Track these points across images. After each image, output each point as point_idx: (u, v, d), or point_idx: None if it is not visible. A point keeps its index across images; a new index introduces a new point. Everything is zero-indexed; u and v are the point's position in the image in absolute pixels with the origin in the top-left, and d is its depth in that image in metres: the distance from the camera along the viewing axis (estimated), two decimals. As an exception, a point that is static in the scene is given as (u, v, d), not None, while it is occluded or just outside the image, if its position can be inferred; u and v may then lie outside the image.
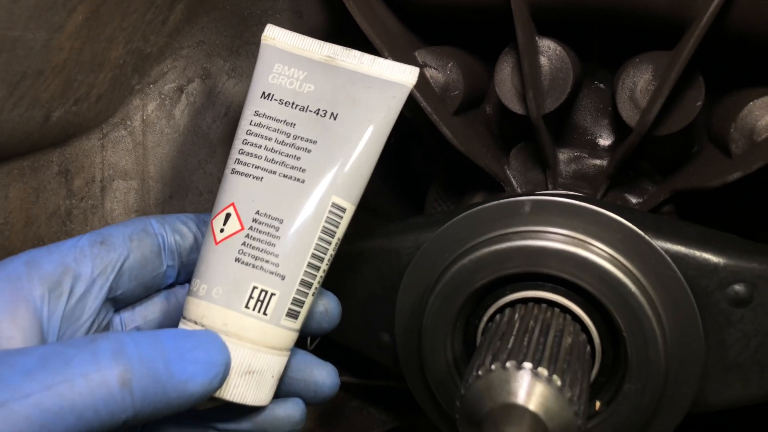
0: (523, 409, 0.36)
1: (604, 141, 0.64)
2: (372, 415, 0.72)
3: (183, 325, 0.42)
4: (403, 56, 0.56)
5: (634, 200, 0.62)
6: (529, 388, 0.37)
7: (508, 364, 0.37)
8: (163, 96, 0.57)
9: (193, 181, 0.60)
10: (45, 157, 0.51)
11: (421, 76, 0.58)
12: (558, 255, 0.44)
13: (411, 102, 0.55)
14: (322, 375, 0.46)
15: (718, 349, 0.48)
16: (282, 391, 0.45)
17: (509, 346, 0.40)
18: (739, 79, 0.57)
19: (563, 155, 0.63)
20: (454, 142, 0.56)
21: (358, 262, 0.57)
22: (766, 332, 0.47)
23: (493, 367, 0.38)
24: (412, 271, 0.51)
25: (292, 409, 0.44)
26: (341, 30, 0.53)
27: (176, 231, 0.45)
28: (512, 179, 0.64)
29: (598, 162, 0.62)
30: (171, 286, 0.47)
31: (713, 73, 0.58)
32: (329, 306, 0.48)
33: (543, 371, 0.37)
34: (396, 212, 0.80)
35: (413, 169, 0.80)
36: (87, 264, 0.41)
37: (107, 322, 0.43)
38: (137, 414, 0.34)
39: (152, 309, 0.46)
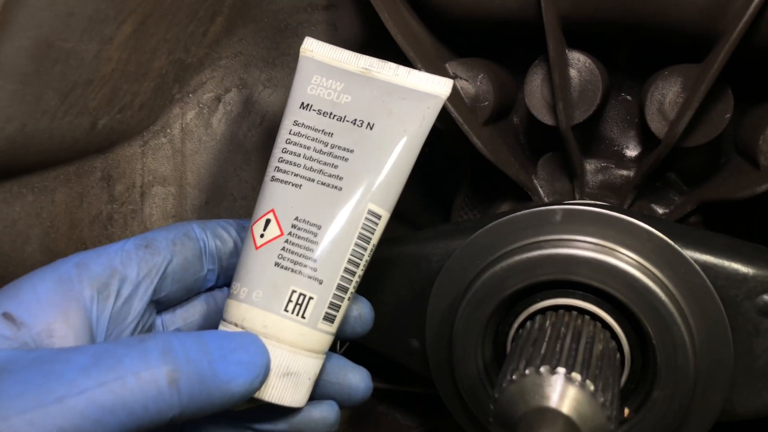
0: (557, 413, 0.37)
1: (631, 152, 0.64)
2: (397, 420, 0.73)
3: (223, 327, 0.44)
4: (435, 68, 0.57)
5: (660, 210, 0.63)
6: (563, 393, 0.37)
7: (542, 369, 0.38)
8: (201, 105, 0.59)
9: (228, 188, 0.62)
10: (89, 163, 0.53)
11: (453, 88, 0.59)
12: (588, 263, 0.45)
13: (443, 113, 0.57)
14: (356, 379, 0.47)
15: (747, 359, 0.48)
16: (317, 394, 0.47)
17: (542, 351, 0.41)
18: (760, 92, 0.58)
19: (590, 165, 0.64)
20: (484, 152, 0.57)
21: (389, 267, 0.59)
22: (794, 342, 0.47)
23: (527, 371, 0.39)
24: (443, 278, 0.52)
25: (326, 412, 0.45)
26: (375, 42, 0.54)
27: (217, 236, 0.47)
28: (539, 189, 0.65)
29: (624, 172, 0.63)
30: (210, 289, 0.48)
31: (741, 85, 0.59)
32: (363, 311, 0.49)
33: (576, 376, 0.38)
34: (422, 219, 0.81)
35: (439, 177, 0.82)
36: (133, 267, 0.42)
37: (150, 323, 0.45)
38: (183, 412, 0.36)
39: (192, 311, 0.47)
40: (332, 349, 0.62)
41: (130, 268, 0.42)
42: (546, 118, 0.57)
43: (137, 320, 0.43)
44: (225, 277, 0.48)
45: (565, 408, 0.37)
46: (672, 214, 0.61)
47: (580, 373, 0.38)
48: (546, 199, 0.65)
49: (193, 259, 0.45)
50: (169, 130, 0.57)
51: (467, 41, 0.63)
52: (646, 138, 0.62)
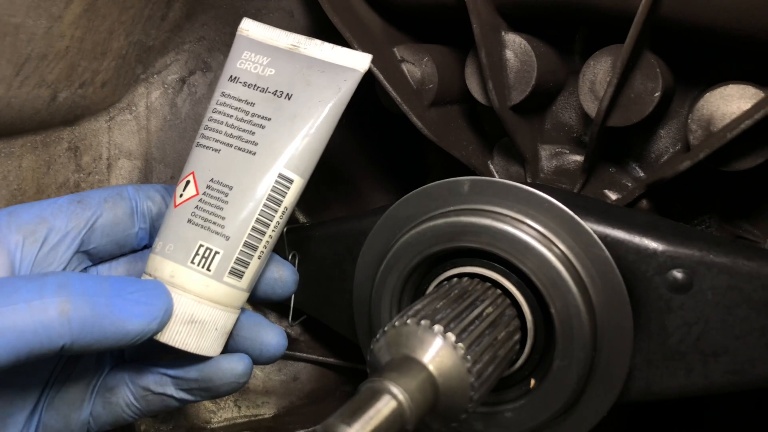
0: (415, 360, 0.38)
1: (586, 137, 0.65)
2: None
3: (142, 278, 0.47)
4: (381, 51, 0.60)
5: (613, 196, 0.62)
6: (424, 343, 0.39)
7: (408, 321, 0.40)
8: (166, 86, 0.63)
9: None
10: (56, 134, 0.58)
11: (398, 71, 0.61)
12: (487, 230, 0.46)
13: (388, 95, 0.59)
14: (269, 335, 0.50)
15: (660, 336, 0.48)
16: (231, 348, 0.50)
17: (418, 308, 0.42)
18: (719, 77, 0.57)
19: (545, 151, 0.65)
20: (424, 132, 0.59)
21: (335, 242, 0.61)
22: (707, 320, 0.47)
23: (397, 323, 0.40)
24: (366, 247, 0.54)
25: (235, 363, 0.48)
26: (329, 29, 0.57)
27: (149, 197, 0.51)
28: (495, 173, 0.66)
29: (578, 158, 0.63)
30: (146, 248, 0.52)
31: (696, 73, 0.58)
32: (283, 273, 0.51)
33: (438, 327, 0.39)
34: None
35: (418, 166, 0.83)
36: (62, 218, 0.47)
37: (81, 271, 0.49)
38: (74, 341, 0.40)
39: (126, 266, 0.51)
40: (286, 322, 0.65)
41: (59, 219, 0.47)
42: (483, 98, 0.58)
43: (63, 267, 0.47)
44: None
45: (425, 356, 0.39)
46: (623, 199, 0.60)
47: (446, 326, 0.40)
48: (500, 183, 0.66)
49: (124, 217, 0.49)
50: (134, 108, 0.62)
51: (422, 27, 0.65)
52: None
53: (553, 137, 0.65)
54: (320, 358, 0.72)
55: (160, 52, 0.62)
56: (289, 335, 0.72)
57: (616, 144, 0.61)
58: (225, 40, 0.64)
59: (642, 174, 0.63)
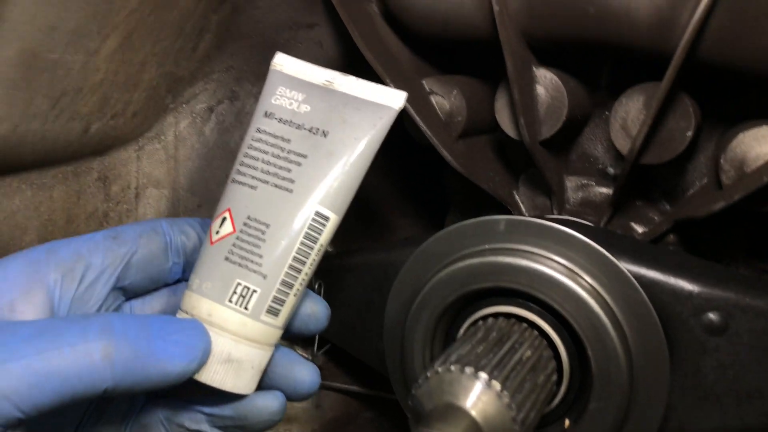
0: (460, 409, 0.38)
1: (614, 170, 0.65)
2: (383, 427, 0.75)
3: (178, 315, 0.47)
4: (409, 83, 0.60)
5: (639, 229, 0.63)
6: (468, 390, 0.39)
7: (452, 367, 0.40)
8: (194, 115, 0.63)
9: (220, 193, 0.66)
10: (86, 164, 0.58)
11: (427, 103, 0.61)
12: (525, 272, 0.47)
13: (417, 127, 0.59)
14: (303, 373, 0.50)
15: (695, 377, 0.48)
16: (265, 385, 0.49)
17: (462, 352, 0.42)
18: (746, 112, 0.57)
19: (571, 182, 0.65)
20: (453, 164, 0.59)
21: (362, 273, 0.61)
22: (742, 363, 0.47)
23: (440, 369, 0.40)
24: (398, 283, 0.54)
25: (270, 400, 0.48)
26: (358, 59, 0.57)
27: (183, 232, 0.51)
28: (520, 204, 0.66)
29: (605, 190, 0.64)
30: (179, 281, 0.52)
31: (722, 108, 0.59)
32: (316, 309, 0.51)
33: (483, 375, 0.39)
34: (423, 233, 0.83)
35: (442, 193, 0.84)
36: (99, 255, 0.47)
37: (117, 308, 0.49)
38: (117, 384, 0.40)
39: (159, 301, 0.51)
40: (311, 351, 0.65)
41: (96, 255, 0.47)
42: (513, 132, 0.58)
43: (100, 304, 0.47)
44: (191, 271, 0.51)
45: (470, 405, 0.39)
46: (650, 233, 0.61)
47: (490, 373, 0.40)
48: (526, 214, 0.66)
49: (159, 252, 0.49)
50: (163, 137, 0.62)
51: (451, 59, 0.66)
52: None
53: (578, 168, 0.66)
54: (343, 386, 0.72)
55: (189, 82, 0.62)
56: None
57: (643, 178, 0.61)
58: (253, 69, 0.65)
59: (668, 207, 0.63)
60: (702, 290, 0.47)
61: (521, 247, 0.48)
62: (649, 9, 0.47)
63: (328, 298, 0.65)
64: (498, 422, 0.38)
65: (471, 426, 0.38)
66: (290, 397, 0.50)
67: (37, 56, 0.47)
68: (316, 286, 0.64)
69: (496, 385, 0.39)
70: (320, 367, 0.73)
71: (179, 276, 0.51)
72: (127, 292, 0.49)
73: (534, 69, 0.57)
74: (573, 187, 0.65)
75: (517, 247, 0.48)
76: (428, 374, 0.41)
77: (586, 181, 0.64)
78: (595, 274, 0.46)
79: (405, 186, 0.76)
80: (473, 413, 0.38)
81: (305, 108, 0.51)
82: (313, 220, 0.48)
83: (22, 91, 0.48)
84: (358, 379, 0.73)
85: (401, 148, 0.71)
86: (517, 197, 0.66)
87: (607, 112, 0.65)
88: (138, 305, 0.51)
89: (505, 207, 0.66)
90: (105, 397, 0.40)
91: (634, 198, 0.63)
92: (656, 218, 0.63)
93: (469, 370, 0.39)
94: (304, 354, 0.70)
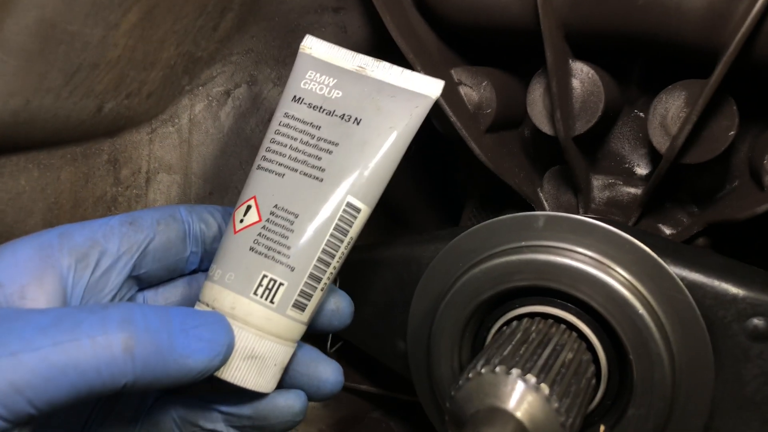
0: (507, 413, 0.36)
1: (641, 170, 0.63)
2: (391, 428, 0.73)
3: (197, 307, 0.45)
4: (438, 72, 0.58)
5: (667, 231, 0.61)
6: (515, 394, 0.37)
7: (497, 369, 0.38)
8: (210, 98, 0.61)
9: (233, 181, 0.63)
10: (96, 145, 0.55)
11: (455, 93, 0.59)
12: (566, 270, 0.44)
13: (444, 118, 0.57)
14: (326, 371, 0.47)
15: (735, 384, 0.46)
16: (286, 383, 0.47)
17: (504, 353, 0.40)
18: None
19: (598, 181, 0.63)
20: (482, 158, 0.57)
21: (382, 268, 0.59)
22: (786, 371, 0.45)
23: (483, 370, 0.38)
24: (426, 280, 0.52)
25: (292, 400, 0.45)
26: (383, 45, 0.55)
27: (202, 220, 0.48)
28: (544, 201, 0.64)
29: (632, 190, 0.62)
30: (195, 272, 0.49)
31: (760, 106, 0.57)
32: (341, 305, 0.49)
33: (531, 378, 0.37)
34: (435, 227, 0.81)
35: (456, 187, 0.81)
36: (114, 241, 0.44)
37: (130, 298, 0.46)
38: (137, 379, 0.37)
39: (174, 291, 0.48)
40: (323, 348, 0.62)
41: (111, 241, 0.44)
42: (546, 127, 0.56)
43: (114, 292, 0.44)
44: (209, 261, 0.48)
45: (517, 409, 0.36)
46: (679, 235, 0.59)
47: (537, 376, 0.37)
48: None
49: (177, 240, 0.46)
50: (177, 120, 0.59)
51: (479, 49, 0.63)
52: (655, 156, 0.61)
53: (605, 167, 0.64)
54: (352, 384, 0.69)
55: (207, 63, 0.59)
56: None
57: (675, 179, 0.59)
58: (273, 53, 0.62)
59: (696, 209, 0.61)
60: (747, 294, 0.45)
61: (561, 244, 0.46)
62: (703, 1, 0.45)
63: (345, 292, 0.63)
64: (546, 427, 0.36)
65: (518, 431, 0.35)
66: (312, 397, 0.48)
67: (56, 27, 0.44)
68: (332, 281, 0.62)
69: (545, 388, 0.37)
70: (331, 366, 0.70)
71: (195, 266, 0.49)
72: (142, 281, 0.46)
73: (570, 62, 0.55)
74: (599, 186, 0.63)
75: (557, 244, 0.46)
76: (469, 375, 0.38)
77: (613, 181, 0.62)
78: (639, 274, 0.44)
79: (418, 180, 0.73)
80: (520, 417, 0.36)
81: (336, 93, 0.48)
82: (344, 211, 0.45)
83: (37, 64, 0.45)
84: (368, 378, 0.71)
85: (421, 141, 0.68)
86: (541, 195, 0.64)
87: (636, 110, 0.63)
88: (151, 296, 0.48)
89: (527, 204, 0.64)
90: (123, 392, 0.37)
91: (662, 199, 0.61)
92: (685, 220, 0.61)
93: (515, 371, 0.37)
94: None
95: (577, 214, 0.63)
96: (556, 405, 0.37)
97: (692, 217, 0.60)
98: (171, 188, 0.60)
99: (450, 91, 0.58)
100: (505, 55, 0.63)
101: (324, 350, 0.66)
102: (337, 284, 0.62)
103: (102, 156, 0.56)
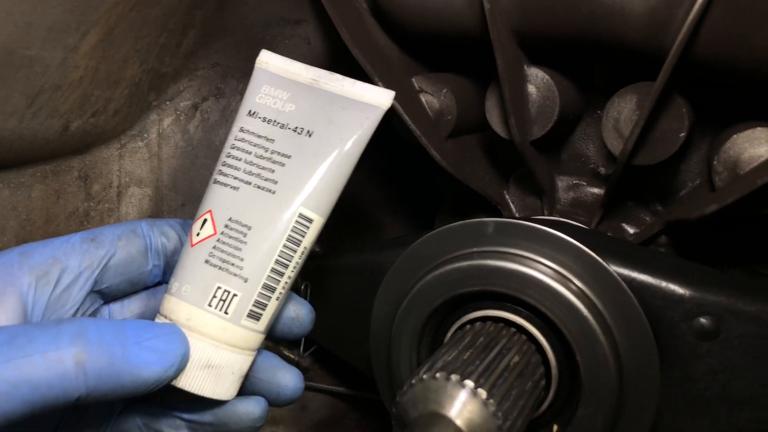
0: (446, 418, 0.37)
1: (605, 170, 0.64)
2: (370, 429, 0.74)
3: (157, 319, 0.46)
4: (399, 81, 0.59)
5: (631, 230, 0.62)
6: (453, 399, 0.38)
7: (438, 375, 0.39)
8: (178, 112, 0.62)
9: (204, 192, 0.65)
10: (66, 162, 0.57)
11: (416, 101, 0.60)
12: (514, 275, 0.45)
13: (405, 126, 0.58)
14: (286, 378, 0.49)
15: (685, 383, 0.47)
16: (247, 390, 0.48)
17: (448, 359, 0.41)
18: (740, 113, 0.56)
19: (562, 182, 0.64)
20: (442, 164, 0.58)
21: (350, 274, 0.60)
22: (733, 368, 0.46)
23: (425, 376, 0.39)
24: (385, 285, 0.53)
25: (252, 406, 0.47)
26: (346, 56, 0.56)
27: (163, 234, 0.49)
28: (510, 204, 0.65)
29: (596, 191, 0.63)
30: (160, 284, 0.51)
31: (716, 108, 0.58)
32: (300, 312, 0.50)
33: (469, 383, 0.38)
34: (411, 233, 0.82)
35: (432, 191, 0.82)
36: (75, 257, 0.45)
37: (94, 311, 0.48)
38: (90, 392, 0.38)
39: (139, 304, 0.50)
40: (297, 352, 0.64)
41: (72, 258, 0.45)
42: (504, 132, 0.57)
43: (77, 307, 0.45)
44: (171, 273, 0.50)
45: (455, 414, 0.37)
46: (641, 235, 0.60)
47: (476, 381, 0.39)
48: (516, 215, 0.65)
49: (138, 255, 0.48)
50: (146, 135, 0.61)
51: (441, 57, 0.64)
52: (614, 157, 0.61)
53: (569, 168, 0.65)
54: (329, 387, 0.71)
55: (173, 78, 0.61)
56: (299, 365, 0.71)
57: (635, 179, 0.60)
58: (239, 66, 0.63)
59: (660, 208, 0.62)
60: (693, 294, 0.46)
61: (510, 250, 0.47)
62: (644, 7, 0.46)
63: (315, 299, 0.64)
64: (483, 430, 0.37)
65: (455, 434, 0.37)
66: (273, 403, 0.49)
67: (13, 53, 0.46)
68: (303, 287, 0.63)
69: (482, 393, 0.38)
70: (307, 369, 0.72)
71: (159, 278, 0.50)
72: (106, 295, 0.48)
73: (525, 68, 0.56)
74: (564, 187, 0.64)
75: (506, 250, 0.47)
76: (413, 381, 0.39)
77: (577, 181, 0.63)
78: (585, 277, 0.45)
79: (397, 186, 0.75)
80: (458, 422, 0.37)
81: (290, 107, 0.49)
82: (297, 222, 0.46)
83: (-3, 89, 0.46)
84: (345, 381, 0.72)
85: (393, 147, 0.70)
86: (507, 197, 0.65)
87: (599, 112, 0.64)
88: (117, 309, 0.50)
89: (495, 207, 0.65)
90: (78, 404, 0.39)
91: (625, 199, 0.62)
92: (648, 219, 0.62)
93: (454, 377, 0.38)
94: (290, 355, 0.69)
95: (542, 215, 0.65)
96: (493, 408, 0.38)
97: (656, 216, 0.61)
98: (143, 201, 0.62)
99: (411, 99, 0.59)
100: (465, 61, 0.64)
101: (298, 354, 0.68)
102: (308, 291, 0.64)
103: (72, 173, 0.58)
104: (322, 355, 0.72)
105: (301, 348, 0.63)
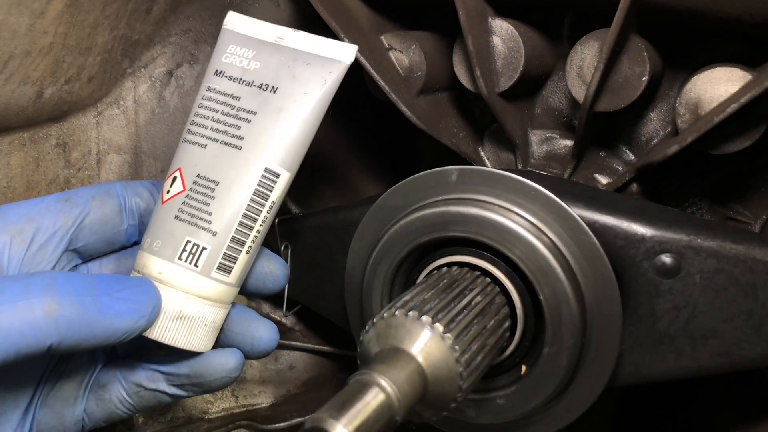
0: (404, 351, 0.39)
1: (577, 122, 0.64)
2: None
3: (132, 275, 0.48)
4: (366, 39, 0.59)
5: (603, 180, 0.62)
6: (413, 334, 0.39)
7: (397, 313, 0.40)
8: (153, 79, 0.63)
9: (181, 156, 0.66)
10: (44, 130, 0.58)
11: (386, 59, 0.61)
12: (476, 220, 0.46)
13: (376, 84, 0.59)
14: (260, 330, 0.50)
15: (649, 320, 0.48)
16: (222, 343, 0.50)
17: (408, 298, 0.42)
18: (710, 59, 0.57)
19: (536, 136, 0.64)
20: (413, 119, 0.58)
21: (326, 233, 0.61)
22: (695, 304, 0.47)
23: (385, 315, 0.40)
24: (356, 239, 0.54)
25: (226, 358, 0.48)
26: (315, 17, 0.57)
27: (137, 194, 0.51)
28: (486, 159, 0.66)
29: (568, 143, 0.63)
30: (136, 243, 0.52)
31: (686, 55, 0.58)
32: (273, 268, 0.51)
33: (427, 318, 0.39)
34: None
35: (411, 158, 0.83)
36: (50, 217, 0.47)
37: (71, 269, 0.49)
38: (62, 340, 0.40)
39: (116, 263, 0.51)
40: (280, 312, 0.65)
41: (47, 218, 0.47)
42: (471, 85, 0.58)
43: (53, 265, 0.47)
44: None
45: (414, 347, 0.39)
46: (614, 184, 0.60)
47: (434, 317, 0.40)
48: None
49: (112, 214, 0.49)
50: (122, 102, 0.62)
51: (410, 14, 0.65)
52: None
53: (543, 122, 0.65)
54: (316, 346, 0.72)
55: (146, 45, 0.62)
56: (284, 325, 0.73)
57: (605, 128, 0.61)
58: (211, 31, 0.64)
59: (632, 158, 0.63)
60: (654, 233, 0.47)
61: (472, 196, 0.48)
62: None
63: (296, 259, 0.65)
64: (441, 363, 0.39)
65: (414, 367, 0.38)
66: (248, 355, 0.50)
67: (-21, 18, 0.47)
68: (283, 248, 0.65)
69: (439, 327, 0.39)
70: (292, 329, 0.73)
71: (135, 238, 0.52)
72: (82, 254, 0.49)
73: (490, 20, 0.56)
74: (537, 140, 0.64)
75: (468, 196, 0.48)
76: (374, 320, 0.41)
77: (550, 135, 0.64)
78: (546, 219, 0.46)
79: (372, 146, 0.75)
80: (416, 354, 0.38)
81: (255, 65, 0.50)
82: (263, 176, 0.47)
83: (-35, 55, 0.47)
84: (331, 340, 0.74)
85: (367, 107, 0.70)
86: (482, 153, 0.66)
87: (569, 64, 0.64)
88: (95, 267, 0.51)
89: (471, 164, 0.66)
90: (51, 353, 0.40)
91: (597, 149, 0.62)
92: (620, 169, 0.62)
93: (412, 314, 0.39)
94: (273, 316, 0.71)
95: (516, 169, 0.65)
96: (450, 342, 0.39)
97: (627, 166, 0.62)
98: (122, 168, 0.63)
99: (380, 57, 0.60)
100: (435, 19, 0.64)
101: (282, 313, 0.69)
102: (289, 252, 0.65)
103: (50, 140, 0.59)
104: (307, 315, 0.74)
105: (284, 307, 0.65)
